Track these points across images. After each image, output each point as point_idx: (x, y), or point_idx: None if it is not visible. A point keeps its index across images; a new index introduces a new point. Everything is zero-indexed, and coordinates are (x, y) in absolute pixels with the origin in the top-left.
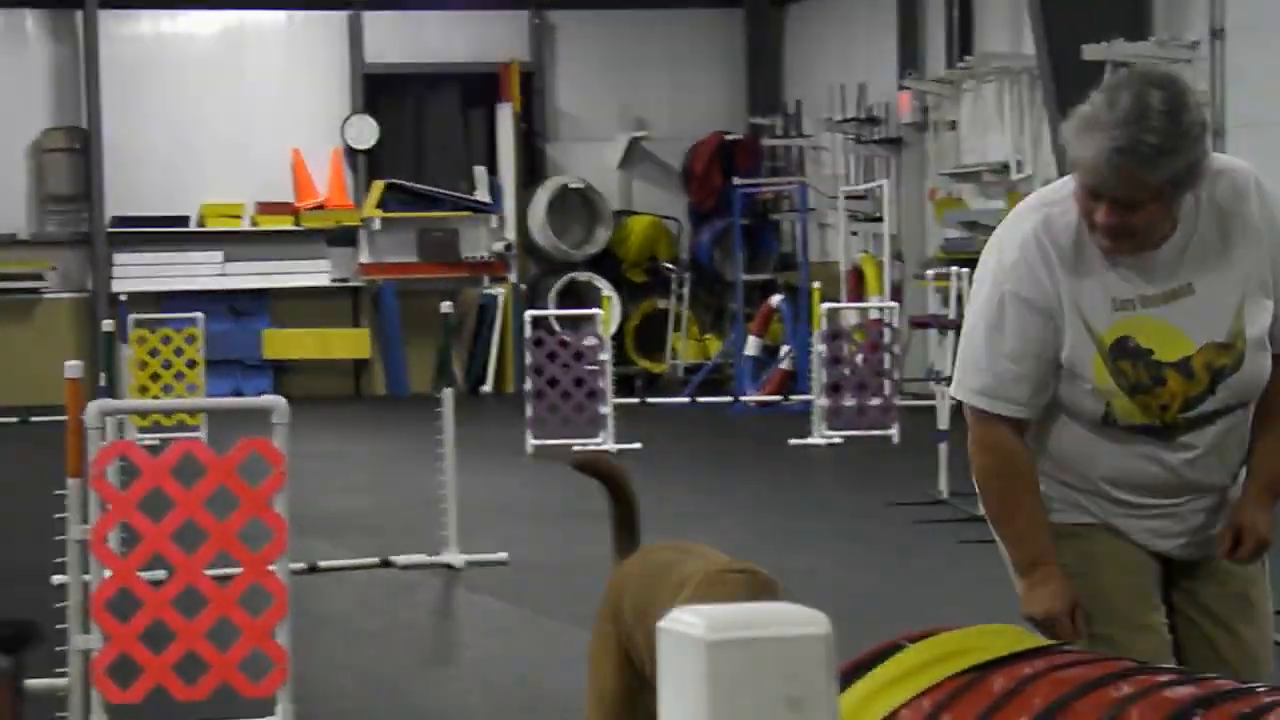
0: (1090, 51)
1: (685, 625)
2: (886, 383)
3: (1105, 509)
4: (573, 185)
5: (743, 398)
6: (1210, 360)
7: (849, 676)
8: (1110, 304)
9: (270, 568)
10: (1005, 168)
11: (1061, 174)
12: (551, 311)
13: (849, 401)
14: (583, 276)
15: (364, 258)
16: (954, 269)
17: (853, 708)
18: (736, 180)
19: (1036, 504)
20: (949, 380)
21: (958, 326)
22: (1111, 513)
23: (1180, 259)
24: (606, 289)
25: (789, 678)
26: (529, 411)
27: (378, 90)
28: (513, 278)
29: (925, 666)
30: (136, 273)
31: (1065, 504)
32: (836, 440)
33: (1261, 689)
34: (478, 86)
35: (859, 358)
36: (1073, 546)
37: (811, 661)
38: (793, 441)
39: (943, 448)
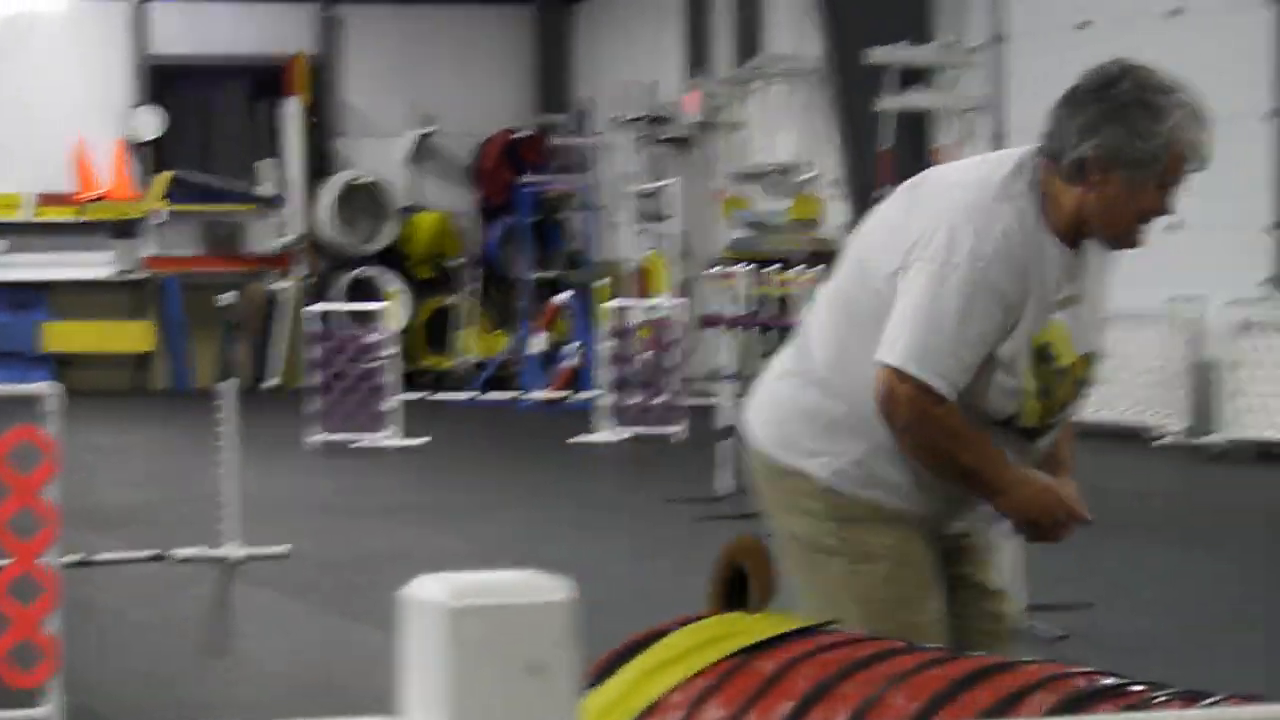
0: (875, 54)
1: (427, 592)
2: (672, 381)
3: (932, 500)
4: (360, 180)
5: (529, 394)
6: (1084, 370)
7: (619, 660)
8: (1047, 305)
9: (40, 559)
10: (791, 168)
11: (852, 174)
12: (338, 306)
13: (634, 399)
14: (370, 272)
15: (148, 250)
16: (740, 268)
17: (624, 691)
18: (525, 178)
19: (988, 441)
20: (733, 378)
21: (745, 324)
22: (933, 501)
23: (1085, 262)
24: (394, 284)
25: (531, 644)
26: (315, 406)
27: (164, 81)
28: (300, 272)
29: (695, 650)
30: None
31: (906, 492)
32: (621, 437)
33: (1030, 663)
34: (266, 79)
35: (645, 355)
36: (897, 531)
37: (553, 628)
38: (577, 438)
39: (725, 446)
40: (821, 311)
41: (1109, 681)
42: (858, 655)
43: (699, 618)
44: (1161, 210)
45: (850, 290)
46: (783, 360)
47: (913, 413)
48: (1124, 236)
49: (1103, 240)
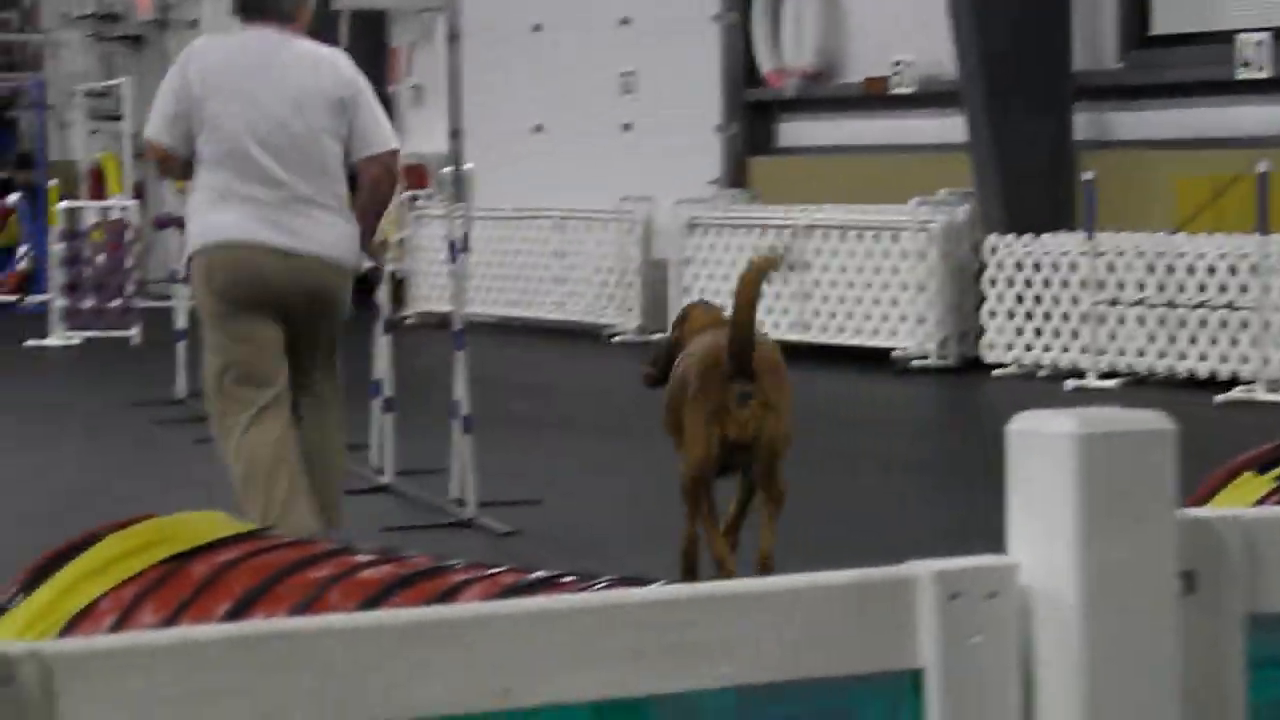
0: None
1: None
2: (127, 283)
3: None
4: None
5: None
6: None
7: (50, 566)
8: None
9: None
10: None
11: None
12: None
13: (88, 302)
14: None
15: None
16: None
17: (51, 600)
18: None
19: None
20: (188, 280)
21: None
22: None
23: None
24: None
25: None
26: None
27: None
28: None
29: (126, 556)
30: None
31: None
32: (75, 341)
33: (458, 565)
34: None
35: (99, 258)
36: None
37: None
38: (29, 343)
39: (181, 348)
40: None
41: (540, 574)
42: (292, 559)
43: (133, 521)
44: None
45: None
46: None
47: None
48: None
49: None
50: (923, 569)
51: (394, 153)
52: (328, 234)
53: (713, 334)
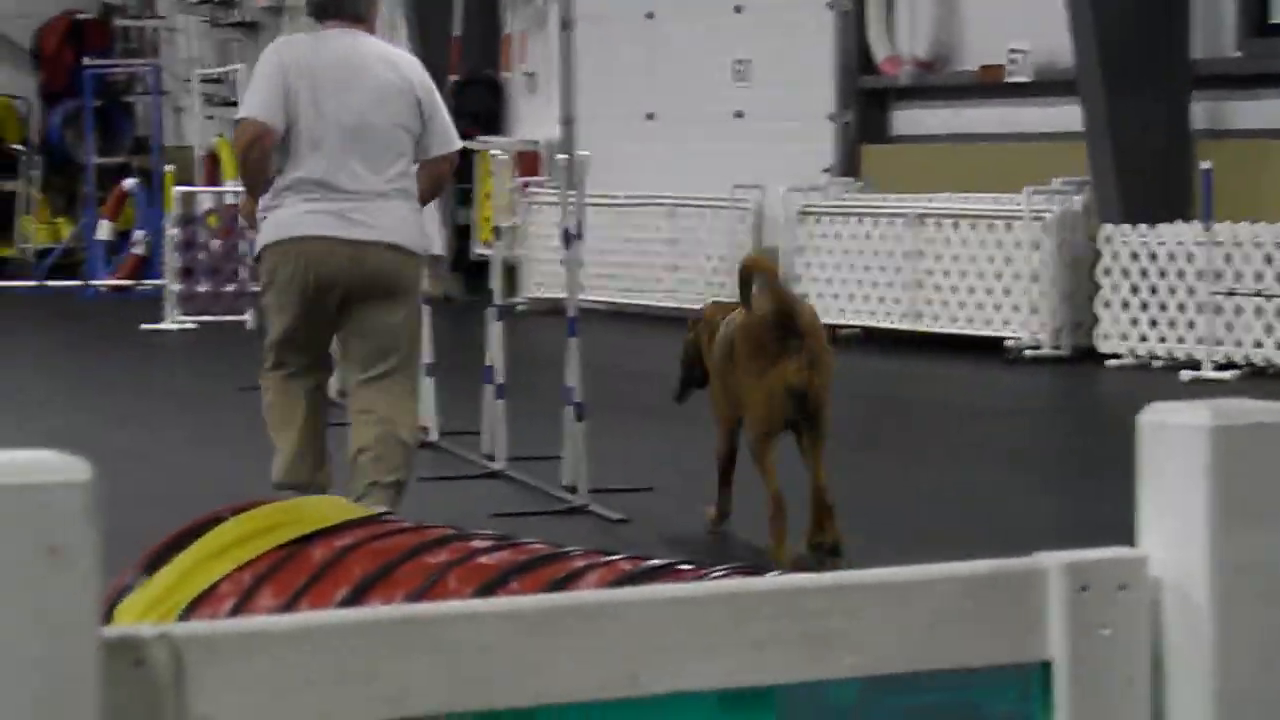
0: None
1: None
2: (241, 268)
3: None
4: None
5: (94, 282)
6: None
7: (170, 549)
8: None
9: None
10: None
11: (423, 60)
12: None
13: (203, 287)
14: None
15: None
16: None
17: (173, 581)
18: (88, 61)
19: None
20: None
21: None
22: None
23: None
24: None
25: (48, 525)
26: None
27: None
28: None
29: (246, 539)
30: None
31: None
32: (189, 326)
33: (575, 552)
34: None
35: (214, 243)
36: None
37: (71, 509)
38: (145, 327)
39: None
40: None
41: (656, 562)
42: (410, 544)
43: (253, 505)
44: None
45: None
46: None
47: None
48: None
49: None
50: (1052, 560)
51: (460, 153)
52: (396, 221)
53: (741, 312)
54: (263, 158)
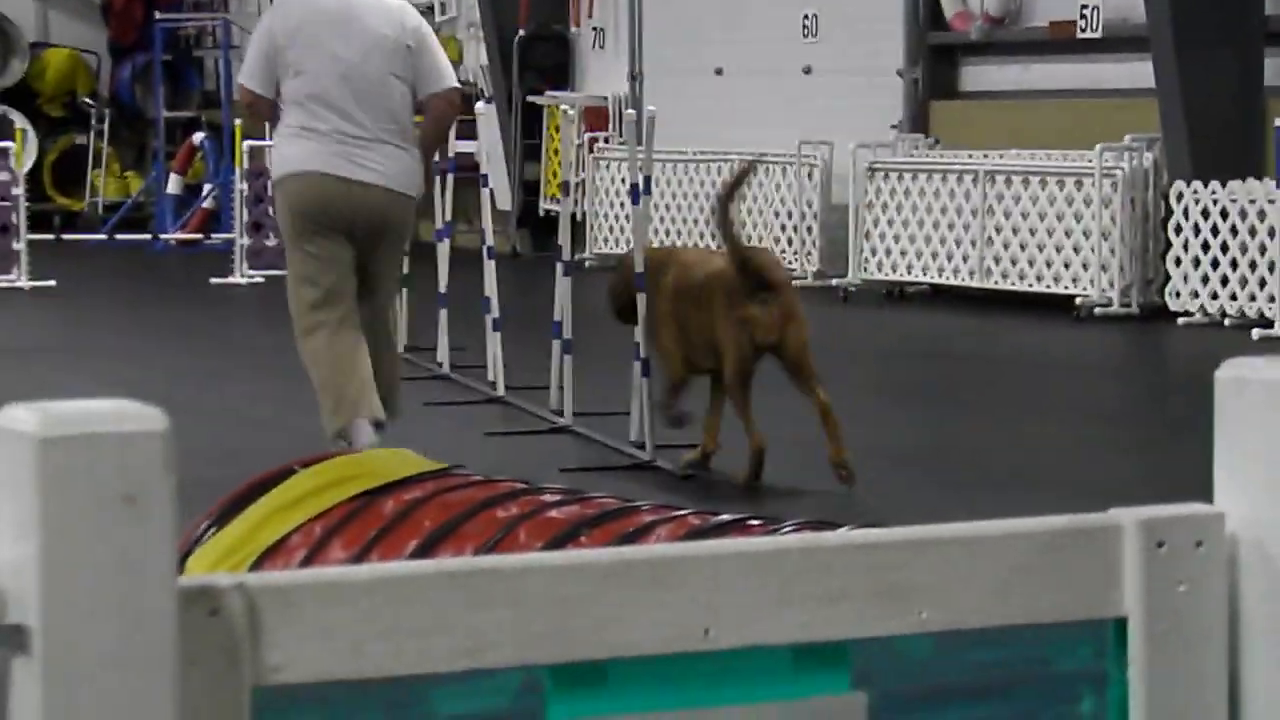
0: None
1: (16, 421)
2: None
3: None
4: None
5: (164, 236)
6: None
7: (241, 501)
8: None
9: None
10: (429, 9)
11: (491, 15)
12: None
13: (271, 241)
14: None
15: None
16: None
17: (244, 533)
18: (158, 15)
19: None
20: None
21: None
22: None
23: None
24: (21, 122)
25: (124, 475)
26: None
27: None
28: None
29: (317, 491)
30: None
31: None
32: (258, 279)
33: (644, 507)
34: None
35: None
36: None
37: (147, 458)
38: (213, 281)
39: None
40: None
41: (726, 517)
42: (479, 497)
43: (323, 458)
44: None
45: None
46: None
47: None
48: None
49: None
50: (1128, 516)
51: (455, 89)
52: (392, 166)
53: (697, 255)
54: (256, 118)
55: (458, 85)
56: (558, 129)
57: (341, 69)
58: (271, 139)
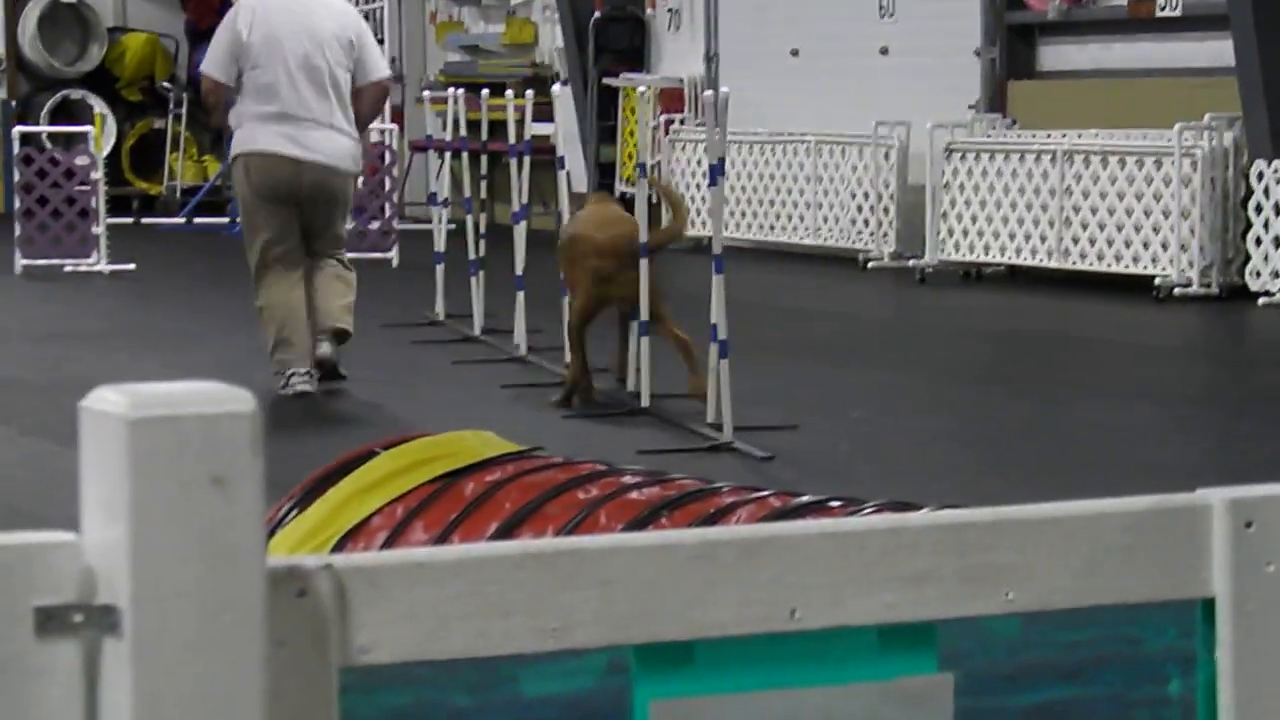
0: None
1: (106, 403)
2: (386, 206)
3: None
4: (65, 0)
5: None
6: None
7: (323, 483)
8: None
9: None
10: None
11: None
12: (42, 128)
13: (351, 224)
14: (76, 94)
15: None
16: (453, 91)
17: (326, 514)
18: None
19: None
20: (447, 203)
21: (457, 151)
22: None
23: None
24: (100, 107)
25: (213, 456)
26: (17, 230)
27: None
28: (1, 94)
29: (398, 473)
30: None
31: None
32: None
33: (724, 488)
34: None
35: (359, 181)
36: None
37: (236, 440)
38: None
39: (440, 270)
40: None
41: (806, 499)
42: (560, 479)
43: (405, 440)
44: None
45: None
46: None
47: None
48: None
49: None
50: (1216, 496)
51: (388, 76)
52: (335, 147)
53: (594, 208)
54: (218, 104)
55: (389, 73)
56: (633, 111)
57: (295, 63)
58: (229, 120)
